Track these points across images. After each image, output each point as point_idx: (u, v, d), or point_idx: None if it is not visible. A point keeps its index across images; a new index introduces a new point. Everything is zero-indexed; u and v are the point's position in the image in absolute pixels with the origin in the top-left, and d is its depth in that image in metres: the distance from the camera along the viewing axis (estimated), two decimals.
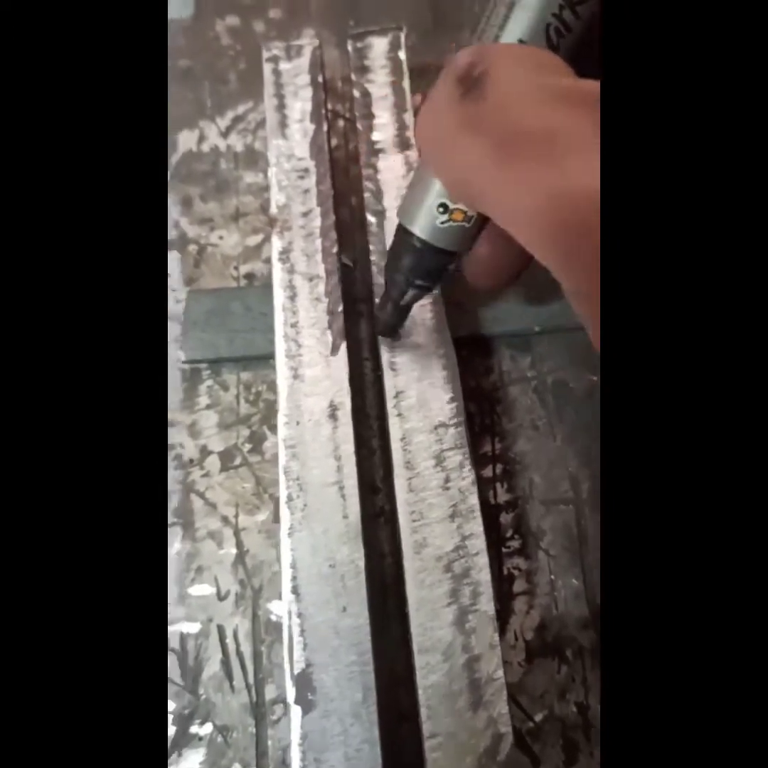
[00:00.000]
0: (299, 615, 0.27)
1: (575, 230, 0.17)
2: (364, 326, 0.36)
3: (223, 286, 0.38)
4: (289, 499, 0.29)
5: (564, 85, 0.18)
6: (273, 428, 0.35)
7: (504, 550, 0.33)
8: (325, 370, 0.31)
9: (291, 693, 0.26)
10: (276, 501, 0.34)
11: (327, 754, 0.25)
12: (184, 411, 0.36)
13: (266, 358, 0.35)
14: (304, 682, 0.26)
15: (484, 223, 0.25)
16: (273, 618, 0.32)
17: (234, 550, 0.33)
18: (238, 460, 0.35)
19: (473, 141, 0.19)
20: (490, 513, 0.34)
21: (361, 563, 0.28)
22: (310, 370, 0.31)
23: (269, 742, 0.30)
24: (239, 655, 0.31)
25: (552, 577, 0.33)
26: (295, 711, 0.26)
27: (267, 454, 0.35)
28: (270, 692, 0.31)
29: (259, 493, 0.34)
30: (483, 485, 0.34)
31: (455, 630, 0.27)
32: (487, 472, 0.35)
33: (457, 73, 0.20)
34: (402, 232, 0.26)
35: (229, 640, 0.31)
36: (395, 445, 0.30)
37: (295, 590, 0.28)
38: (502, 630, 0.32)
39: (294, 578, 0.28)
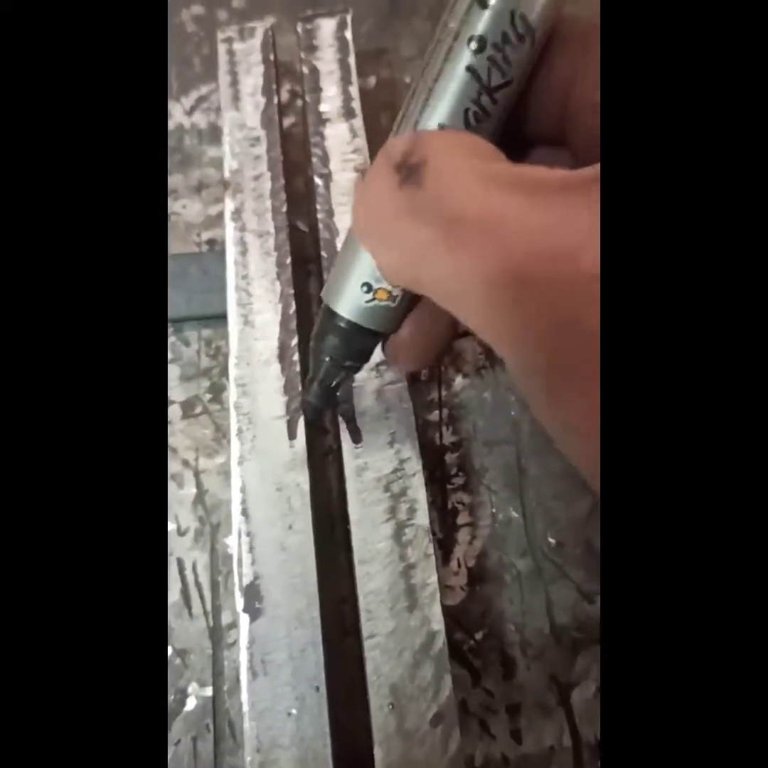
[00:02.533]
0: (248, 534, 0.29)
1: (528, 300, 0.17)
2: (314, 283, 0.38)
3: (186, 251, 0.40)
4: (239, 431, 0.31)
5: (498, 169, 0.19)
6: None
7: (449, 486, 0.35)
8: (274, 316, 0.33)
9: (240, 603, 0.28)
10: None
11: (273, 655, 0.27)
12: None
13: (224, 317, 0.37)
14: (252, 592, 0.28)
15: (410, 303, 0.25)
16: (230, 551, 0.34)
17: (194, 490, 0.35)
18: (198, 409, 0.37)
19: (414, 228, 0.19)
20: (435, 453, 0.36)
21: (306, 487, 0.30)
22: (260, 317, 0.33)
23: (225, 663, 0.32)
24: (198, 585, 0.33)
25: (493, 510, 0.35)
26: (244, 618, 0.28)
27: (226, 404, 0.37)
28: (226, 618, 0.33)
29: (218, 439, 0.36)
30: (429, 428, 0.36)
31: (393, 542, 0.29)
32: (434, 416, 0.37)
33: (393, 160, 0.20)
34: (327, 312, 0.25)
35: (188, 572, 0.33)
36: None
37: (244, 512, 0.29)
38: (446, 558, 0.34)
39: (243, 501, 0.30)
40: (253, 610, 0.28)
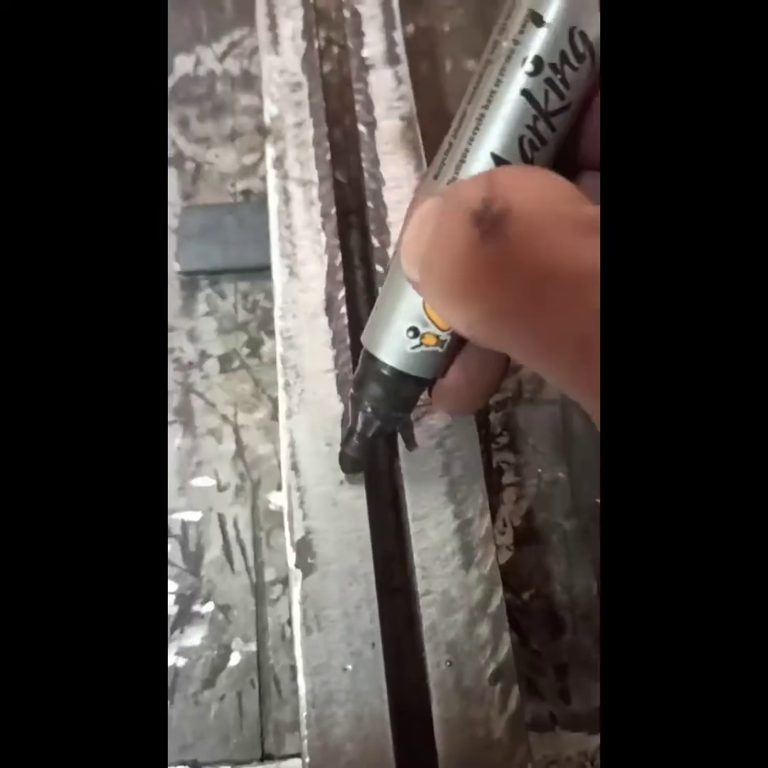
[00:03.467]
0: (298, 489, 0.28)
1: None
2: (355, 236, 0.37)
3: (220, 201, 0.39)
4: (287, 385, 0.30)
5: (587, 216, 0.17)
6: (270, 334, 0.36)
7: (493, 446, 0.35)
8: (319, 268, 0.32)
9: (291, 558, 0.27)
10: (274, 401, 0.35)
11: (327, 610, 0.27)
12: (182, 317, 0.37)
13: (262, 270, 0.36)
14: (304, 547, 0.27)
15: (458, 347, 0.23)
16: (271, 507, 0.33)
17: (233, 446, 0.34)
18: (236, 363, 0.36)
19: (498, 284, 0.17)
20: (480, 413, 0.35)
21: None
22: (304, 268, 0.32)
23: (269, 619, 0.31)
24: (239, 541, 0.33)
25: (539, 470, 0.34)
26: (296, 574, 0.27)
27: (265, 358, 0.36)
28: (269, 574, 0.32)
29: (257, 394, 0.35)
30: None
31: (447, 499, 0.28)
32: None
33: (472, 210, 0.18)
34: (368, 358, 0.24)
35: (230, 528, 0.33)
36: None
37: (294, 467, 0.29)
38: (492, 518, 0.33)
39: (292, 455, 0.29)
40: (306, 565, 0.27)
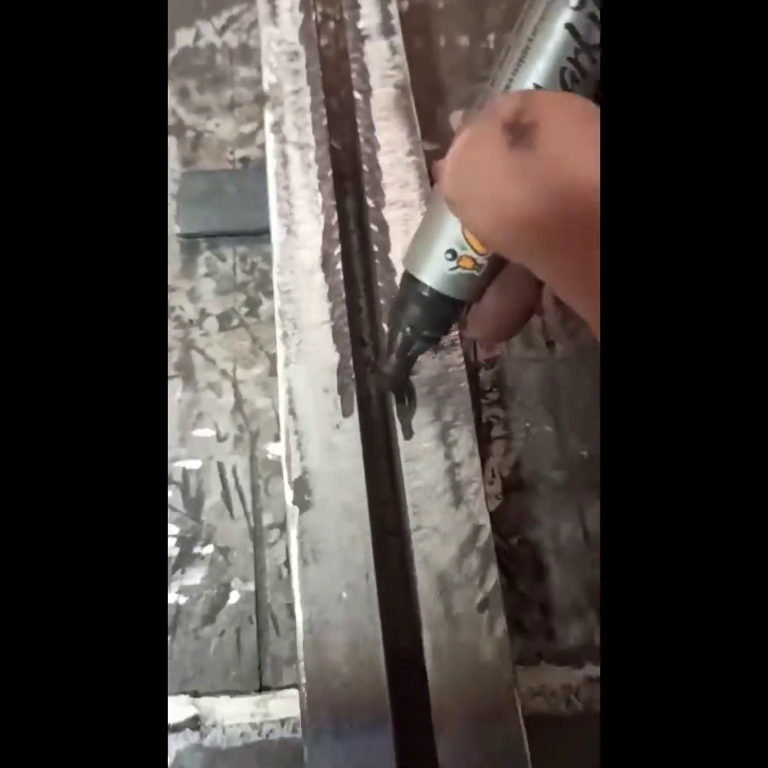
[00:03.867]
0: (296, 432, 0.30)
1: None
2: (351, 201, 0.39)
3: (219, 168, 0.40)
4: (284, 336, 0.31)
5: None
6: (268, 294, 0.38)
7: (483, 401, 0.36)
8: (315, 226, 0.34)
9: (289, 496, 0.29)
10: (272, 357, 0.36)
11: (322, 544, 0.28)
12: (183, 278, 0.38)
13: (259, 234, 0.38)
14: (301, 486, 0.29)
15: (494, 272, 0.24)
16: (269, 457, 0.34)
17: (232, 399, 0.35)
18: (235, 322, 0.37)
19: (523, 193, 0.18)
20: (470, 370, 0.36)
21: (353, 387, 0.30)
22: (302, 227, 0.34)
23: (267, 561, 0.33)
24: (238, 488, 0.34)
25: (527, 424, 0.36)
26: (293, 511, 0.28)
27: (263, 317, 0.37)
28: (267, 519, 0.33)
29: (255, 351, 0.37)
30: (464, 345, 0.37)
31: (438, 442, 0.29)
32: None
33: (504, 119, 0.18)
34: (408, 280, 0.25)
35: (229, 476, 0.34)
36: (384, 302, 0.32)
37: (291, 412, 0.30)
38: (482, 469, 0.35)
39: (290, 401, 0.30)
40: (303, 502, 0.29)
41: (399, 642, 0.28)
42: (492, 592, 0.27)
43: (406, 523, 0.29)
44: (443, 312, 0.25)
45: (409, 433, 0.30)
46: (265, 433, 0.35)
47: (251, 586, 0.32)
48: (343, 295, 0.32)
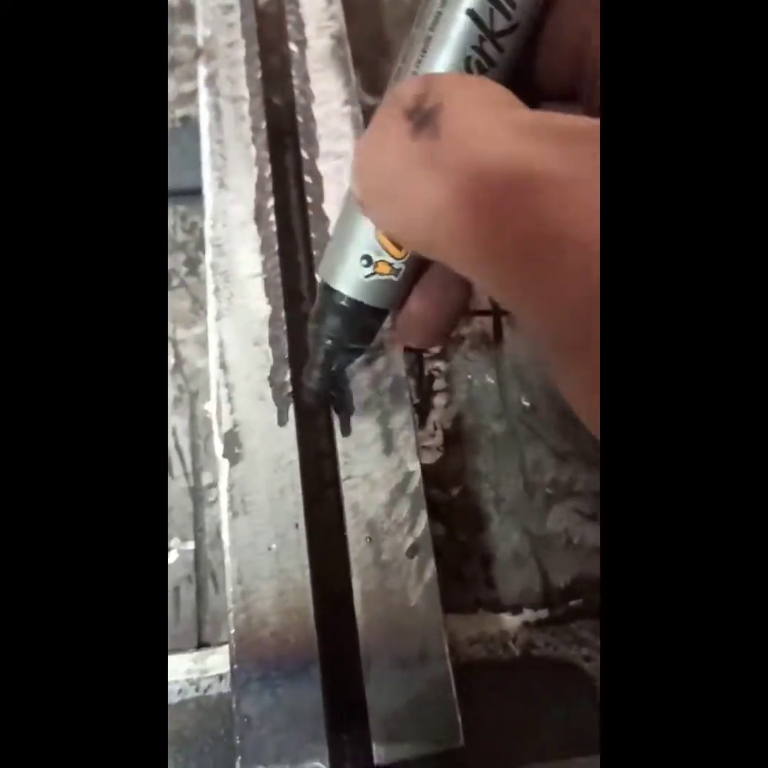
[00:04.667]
0: (226, 385, 0.29)
1: (561, 262, 0.15)
2: (290, 156, 0.38)
3: None
4: (216, 290, 0.31)
5: (521, 115, 0.17)
6: None
7: (425, 355, 0.36)
8: (249, 179, 0.33)
9: (219, 448, 0.28)
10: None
11: (252, 496, 0.28)
12: None
13: (199, 193, 0.37)
14: (231, 439, 0.28)
15: (414, 277, 0.23)
16: (209, 417, 0.34)
17: (172, 360, 0.35)
18: (175, 282, 0.37)
19: (430, 182, 0.17)
20: None
21: (284, 339, 0.30)
22: (235, 180, 0.33)
23: (206, 520, 0.32)
24: (178, 448, 0.33)
25: (469, 376, 0.35)
26: (224, 463, 0.28)
27: (202, 277, 0.37)
28: (206, 479, 0.33)
29: (195, 310, 0.36)
30: None
31: (371, 391, 0.29)
32: None
33: (404, 105, 0.17)
34: (325, 290, 0.24)
35: (169, 436, 0.34)
36: (317, 254, 0.32)
37: (222, 365, 0.30)
38: (422, 422, 0.35)
39: (221, 355, 0.30)
40: (233, 455, 0.28)
41: (330, 590, 0.28)
42: (421, 538, 0.27)
43: (338, 469, 0.28)
44: (364, 322, 0.24)
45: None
46: (205, 393, 0.34)
47: (191, 545, 0.32)
48: (277, 248, 0.32)
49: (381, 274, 0.22)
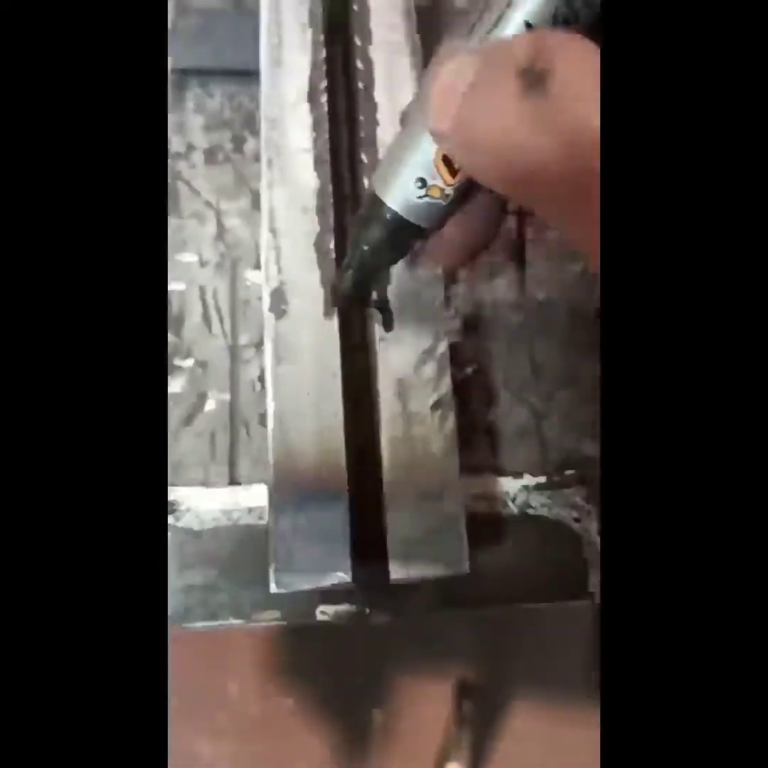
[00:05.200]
0: (275, 247, 0.32)
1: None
2: (341, 49, 0.40)
3: (213, 6, 0.41)
4: (269, 161, 0.33)
5: None
6: (255, 133, 0.39)
7: None
8: (303, 60, 0.35)
9: (266, 304, 0.31)
10: (255, 193, 0.38)
11: (294, 347, 0.31)
12: (172, 112, 0.39)
13: (249, 74, 0.39)
14: (277, 296, 0.31)
15: (461, 202, 0.24)
16: (248, 284, 0.37)
17: (215, 228, 0.37)
18: (221, 157, 0.39)
19: (537, 139, 0.18)
20: None
21: (331, 211, 0.32)
22: (290, 59, 0.35)
23: (242, 376, 0.35)
24: (217, 309, 0.36)
25: (490, 270, 0.38)
26: (269, 317, 0.31)
27: (248, 154, 0.39)
28: (244, 339, 0.36)
29: (239, 185, 0.38)
30: None
31: (403, 265, 0.32)
32: None
33: (517, 65, 0.18)
34: (373, 200, 0.25)
35: (209, 298, 0.36)
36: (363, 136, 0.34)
37: (272, 229, 0.32)
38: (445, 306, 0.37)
39: (271, 220, 0.32)
40: (279, 310, 0.31)
41: (361, 434, 0.31)
42: (444, 395, 0.30)
43: (373, 334, 0.31)
44: (404, 237, 0.25)
45: None
46: (246, 261, 0.37)
47: (227, 397, 0.35)
48: (326, 126, 0.34)
49: (432, 197, 0.23)
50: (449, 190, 0.23)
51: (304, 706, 0.99)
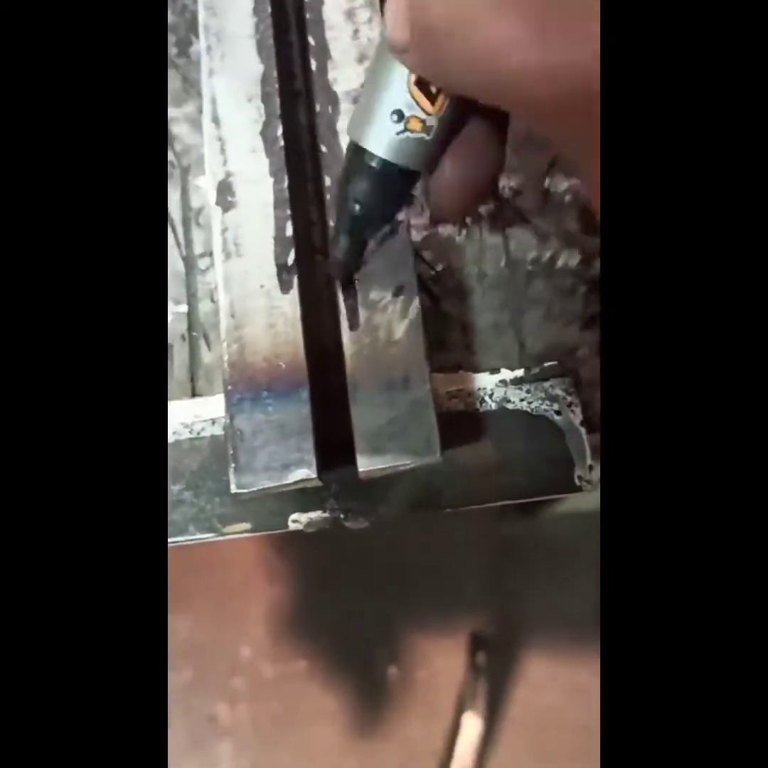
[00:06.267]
0: (219, 139, 0.30)
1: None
2: None
3: None
4: (208, 48, 0.31)
5: None
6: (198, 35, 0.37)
7: None
8: None
9: (212, 197, 0.29)
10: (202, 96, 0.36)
11: (243, 240, 0.29)
12: None
13: None
14: (224, 187, 0.29)
15: (446, 138, 0.22)
16: (200, 191, 0.35)
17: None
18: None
19: (503, 19, 0.17)
20: None
21: (276, 97, 0.30)
22: None
23: (198, 286, 0.33)
24: (170, 219, 0.34)
25: None
26: (216, 210, 0.29)
27: (194, 58, 0.36)
28: (198, 248, 0.34)
29: (186, 89, 0.36)
30: None
31: None
32: None
33: None
34: (353, 150, 0.23)
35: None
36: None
37: (215, 119, 0.30)
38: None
39: (214, 110, 0.30)
40: (226, 202, 0.29)
41: (320, 326, 0.29)
42: (407, 278, 0.28)
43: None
44: (394, 184, 0.23)
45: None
46: (196, 168, 0.35)
47: (184, 308, 0.33)
48: (269, 10, 0.32)
49: (412, 130, 0.22)
50: (431, 120, 0.22)
51: (317, 665, 0.98)
